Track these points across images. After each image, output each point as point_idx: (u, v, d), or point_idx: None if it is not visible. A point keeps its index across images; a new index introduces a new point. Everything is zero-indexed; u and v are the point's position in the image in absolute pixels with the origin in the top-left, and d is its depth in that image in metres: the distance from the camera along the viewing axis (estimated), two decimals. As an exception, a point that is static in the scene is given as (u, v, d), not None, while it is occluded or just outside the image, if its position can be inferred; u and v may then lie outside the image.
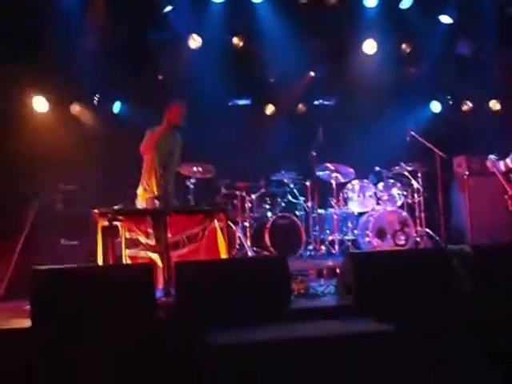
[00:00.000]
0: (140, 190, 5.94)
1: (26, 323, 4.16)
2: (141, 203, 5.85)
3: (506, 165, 6.97)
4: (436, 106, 9.19)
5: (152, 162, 5.91)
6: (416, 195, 7.97)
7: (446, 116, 9.10)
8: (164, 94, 7.25)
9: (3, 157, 6.90)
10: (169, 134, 5.99)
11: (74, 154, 7.23)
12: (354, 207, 8.07)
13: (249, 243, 7.46)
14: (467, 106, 9.25)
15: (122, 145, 7.41)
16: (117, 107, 7.95)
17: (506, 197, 6.98)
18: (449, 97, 9.16)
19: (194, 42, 7.91)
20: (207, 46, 7.91)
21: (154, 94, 7.59)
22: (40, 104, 7.50)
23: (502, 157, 7.06)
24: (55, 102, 7.59)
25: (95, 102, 7.83)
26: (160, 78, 7.98)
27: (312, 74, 8.60)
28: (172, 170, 6.04)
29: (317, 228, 7.93)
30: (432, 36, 8.40)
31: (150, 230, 5.44)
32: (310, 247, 7.80)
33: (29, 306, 4.20)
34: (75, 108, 7.72)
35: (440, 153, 7.68)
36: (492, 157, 7.14)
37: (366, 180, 8.13)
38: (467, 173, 8.21)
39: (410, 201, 8.02)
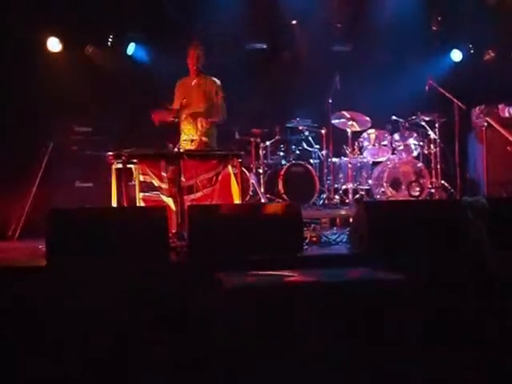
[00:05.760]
0: None
1: (41, 262, 4.23)
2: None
3: (509, 112, 6.98)
4: (457, 55, 8.94)
5: None
6: (432, 146, 7.84)
7: (466, 65, 8.86)
8: (179, 36, 7.14)
9: (17, 98, 6.87)
10: (189, 78, 6.03)
11: (88, 96, 7.18)
12: (369, 156, 8.00)
13: (262, 190, 7.46)
14: (489, 55, 9.00)
15: (135, 87, 7.37)
16: (131, 49, 7.85)
17: (509, 148, 6.99)
18: (470, 45, 8.92)
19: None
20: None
21: (169, 36, 7.48)
22: (54, 45, 7.42)
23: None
24: (69, 42, 7.50)
25: (109, 43, 7.72)
26: (179, 18, 7.83)
27: (339, 25, 8.34)
28: (192, 113, 5.98)
29: (331, 177, 7.89)
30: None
31: (164, 174, 5.44)
32: (324, 196, 7.78)
33: (44, 246, 4.26)
34: (89, 49, 7.64)
35: (459, 103, 7.53)
36: None
37: (382, 129, 8.02)
38: (485, 124, 8.07)
39: (426, 151, 7.90)
